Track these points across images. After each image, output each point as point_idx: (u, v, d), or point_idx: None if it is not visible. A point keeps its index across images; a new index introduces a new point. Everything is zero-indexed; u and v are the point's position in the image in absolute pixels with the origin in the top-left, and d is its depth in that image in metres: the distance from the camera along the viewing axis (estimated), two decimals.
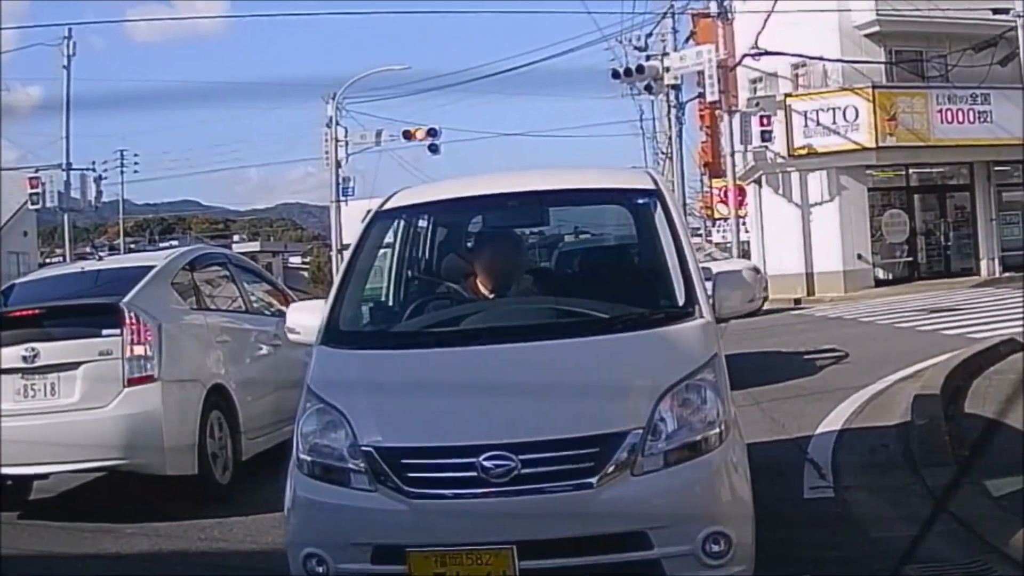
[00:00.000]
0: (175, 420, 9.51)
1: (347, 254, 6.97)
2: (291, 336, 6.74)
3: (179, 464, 9.53)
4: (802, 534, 7.30)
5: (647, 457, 5.34)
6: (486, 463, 5.25)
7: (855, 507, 8.08)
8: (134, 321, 9.47)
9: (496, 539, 5.25)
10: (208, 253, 12.22)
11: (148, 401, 9.38)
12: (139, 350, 9.44)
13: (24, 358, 9.43)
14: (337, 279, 6.70)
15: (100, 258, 12.26)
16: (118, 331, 9.43)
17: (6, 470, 9.38)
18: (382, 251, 7.37)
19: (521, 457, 5.24)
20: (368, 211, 7.39)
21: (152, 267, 10.50)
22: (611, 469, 5.27)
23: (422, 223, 7.97)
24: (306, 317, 6.62)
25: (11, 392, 9.45)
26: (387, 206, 7.30)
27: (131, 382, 9.38)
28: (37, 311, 9.83)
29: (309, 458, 5.66)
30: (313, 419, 5.72)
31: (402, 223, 7.61)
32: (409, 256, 7.73)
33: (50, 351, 9.45)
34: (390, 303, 7.44)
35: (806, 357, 17.46)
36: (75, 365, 9.41)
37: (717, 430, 5.52)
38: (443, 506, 5.32)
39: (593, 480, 5.25)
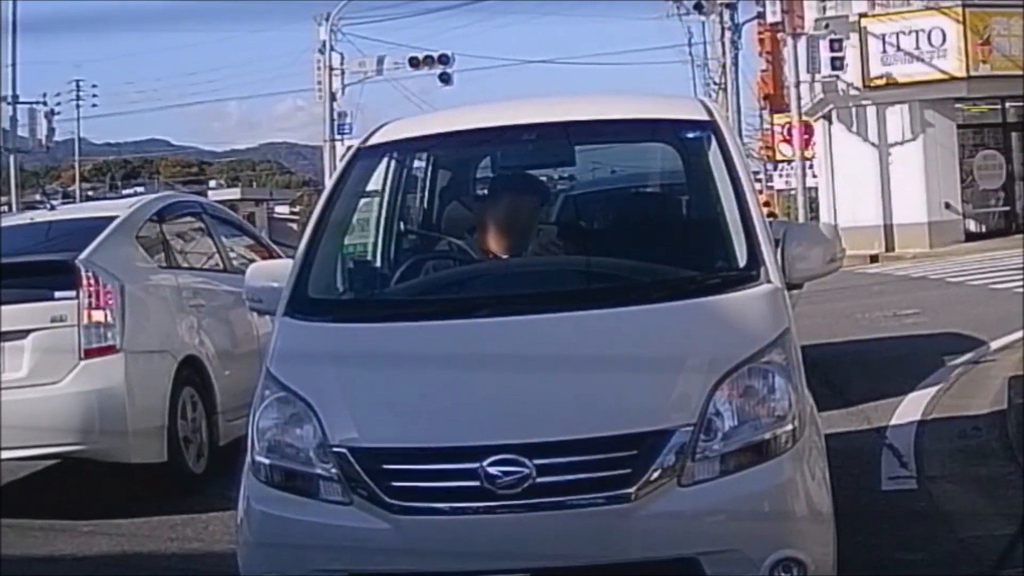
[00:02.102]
0: (140, 398, 9.48)
1: (320, 200, 6.81)
2: (251, 305, 6.60)
3: (145, 450, 9.51)
4: (879, 532, 7.31)
5: (699, 462, 5.12)
6: (492, 470, 5.02)
7: (941, 501, 8.10)
8: (92, 282, 9.37)
9: (504, 567, 5.07)
10: (179, 202, 12.24)
11: (109, 376, 9.31)
12: (98, 316, 9.34)
13: None
14: (307, 233, 6.51)
15: (52, 207, 12.05)
16: (73, 293, 9.34)
17: None
18: (366, 199, 7.25)
19: (537, 462, 5.02)
20: (348, 147, 7.08)
21: (113, 218, 10.43)
22: (653, 477, 5.04)
23: (417, 163, 7.88)
24: (270, 281, 6.42)
25: None
26: (372, 141, 7.09)
27: (88, 353, 9.30)
28: None
29: (267, 460, 5.44)
30: (272, 411, 5.50)
31: (392, 163, 7.45)
32: (400, 204, 7.60)
33: None
34: (375, 264, 7.34)
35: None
36: (22, 334, 9.31)
37: (789, 427, 5.28)
38: (436, 524, 5.12)
39: (630, 492, 5.02)
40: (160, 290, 10.24)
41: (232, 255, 11.83)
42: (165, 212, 11.10)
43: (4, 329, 9.28)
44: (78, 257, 9.50)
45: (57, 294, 9.34)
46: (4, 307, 9.29)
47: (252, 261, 11.24)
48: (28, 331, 9.27)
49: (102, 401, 9.23)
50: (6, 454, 9.29)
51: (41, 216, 11.40)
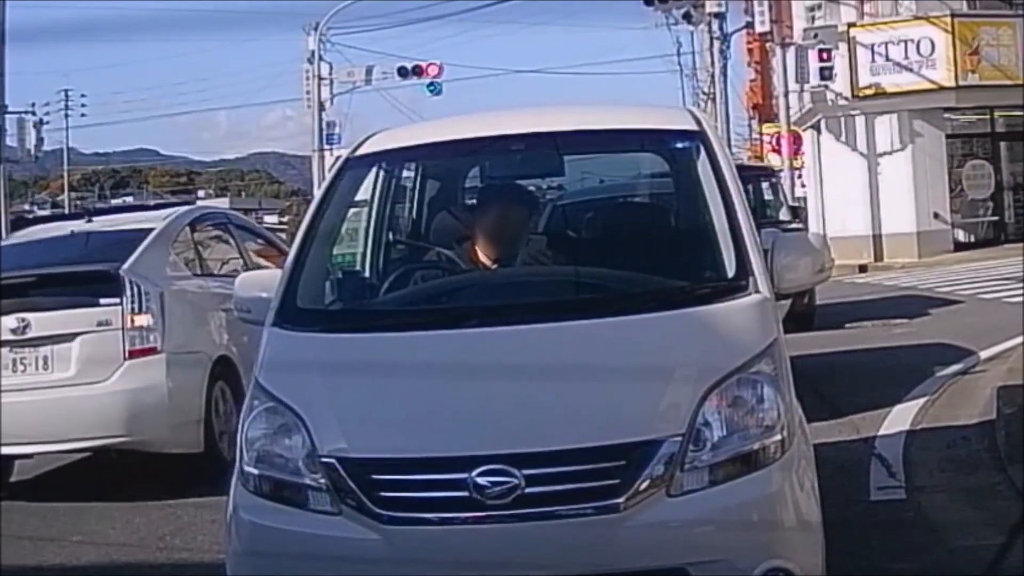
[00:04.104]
0: (179, 395, 10.30)
1: (309, 210, 6.80)
2: (240, 316, 6.56)
3: (184, 441, 10.32)
4: (868, 543, 7.36)
5: (688, 472, 5.09)
6: (481, 480, 4.99)
7: (930, 511, 8.13)
8: (135, 289, 10.22)
9: None
10: (208, 212, 13.06)
11: (151, 375, 10.18)
12: (140, 320, 10.19)
13: (13, 330, 10.17)
14: (295, 243, 6.51)
15: (89, 219, 12.61)
16: (117, 300, 10.18)
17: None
18: (354, 209, 7.20)
19: (526, 472, 4.99)
20: (337, 157, 7.06)
21: (151, 229, 11.22)
22: (642, 487, 5.01)
23: (406, 173, 7.85)
24: (259, 291, 6.39)
25: None
26: (361, 151, 7.04)
27: (132, 354, 10.15)
28: (28, 278, 10.57)
29: (256, 471, 5.41)
30: (261, 421, 5.47)
31: (381, 173, 7.44)
32: (389, 214, 7.60)
33: (42, 322, 10.20)
34: (364, 274, 7.31)
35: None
36: (70, 337, 10.18)
37: (778, 437, 5.25)
38: (424, 535, 5.08)
39: (619, 502, 4.98)
40: (194, 295, 11.00)
41: (255, 260, 12.45)
42: (196, 223, 11.93)
43: (53, 333, 10.18)
44: (121, 267, 10.30)
45: (102, 300, 10.15)
46: (53, 313, 10.22)
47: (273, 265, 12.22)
48: (76, 334, 10.13)
49: (145, 398, 10.09)
50: (57, 447, 10.41)
51: (80, 227, 12.00)
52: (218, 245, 12.36)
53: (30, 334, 10.14)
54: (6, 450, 10.17)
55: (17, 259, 11.04)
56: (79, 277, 10.51)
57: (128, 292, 10.14)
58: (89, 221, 12.50)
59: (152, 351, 10.16)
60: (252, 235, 13.26)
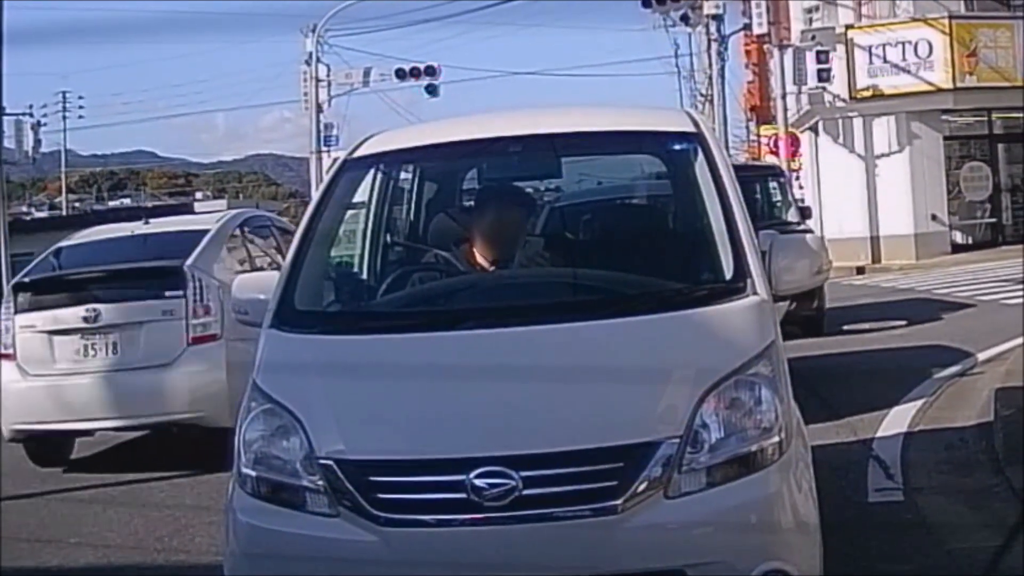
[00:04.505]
0: (236, 377, 10.56)
1: (306, 212, 6.78)
2: (238, 318, 6.53)
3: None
4: (866, 544, 7.34)
5: (686, 474, 5.09)
6: (478, 481, 4.99)
7: (928, 513, 8.12)
8: (197, 283, 11.58)
9: None
10: (255, 216, 14.60)
11: (211, 359, 11.48)
12: (202, 310, 11.54)
13: (85, 319, 11.63)
14: (293, 245, 6.50)
15: (146, 222, 13.99)
16: (181, 292, 11.54)
17: (66, 426, 11.78)
18: (352, 211, 7.21)
19: (523, 474, 4.99)
20: (335, 159, 7.05)
21: (206, 231, 12.71)
22: (640, 489, 5.01)
23: (404, 175, 7.85)
24: (256, 292, 6.38)
25: (70, 351, 11.72)
26: (359, 153, 7.04)
27: (194, 341, 11.50)
28: (98, 273, 12.18)
29: (254, 473, 5.41)
30: (259, 423, 5.48)
31: (379, 175, 7.42)
32: (387, 216, 7.57)
33: (112, 312, 11.64)
34: (362, 275, 7.30)
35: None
36: (138, 325, 11.60)
37: (776, 439, 5.26)
38: (422, 536, 5.08)
39: (617, 503, 4.98)
40: None
41: None
42: (244, 225, 13.40)
43: (122, 321, 11.60)
44: (185, 263, 11.74)
45: (167, 293, 11.52)
46: (122, 304, 11.64)
47: None
48: (143, 323, 11.53)
49: (206, 379, 11.40)
50: (125, 422, 11.81)
51: (139, 229, 13.47)
52: (263, 244, 13.71)
53: (101, 323, 11.55)
54: (77, 426, 11.72)
55: (83, 257, 12.79)
56: (146, 272, 11.94)
57: (191, 285, 11.50)
58: (146, 223, 13.83)
59: (212, 338, 11.50)
60: (291, 235, 14.01)
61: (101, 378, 11.50)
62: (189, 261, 11.76)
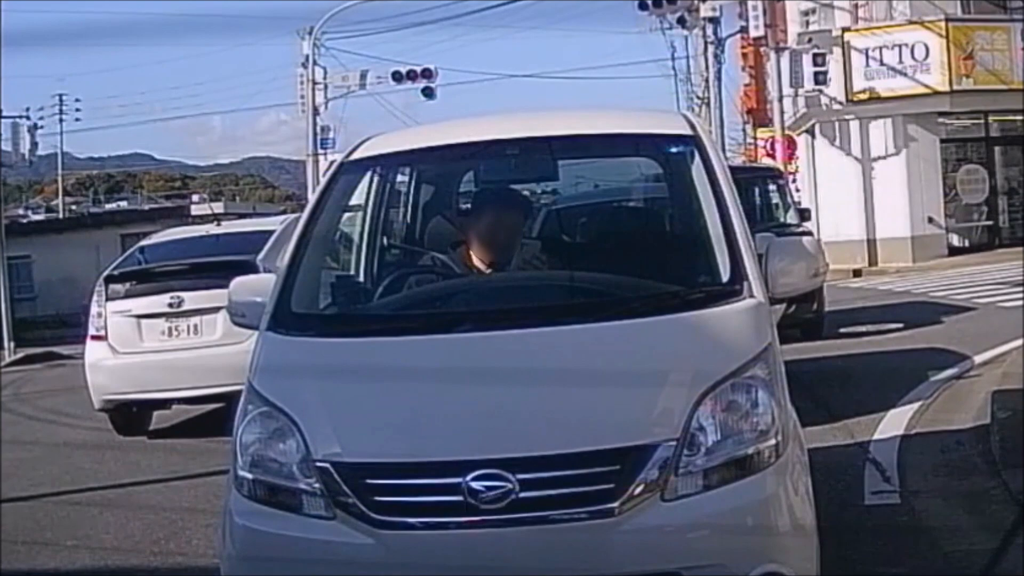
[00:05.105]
0: None
1: (303, 215, 6.78)
2: (234, 320, 6.54)
3: None
4: (863, 547, 7.37)
5: (682, 477, 5.08)
6: (475, 484, 4.98)
7: (924, 515, 8.14)
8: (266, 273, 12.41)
9: None
10: None
11: None
12: None
13: (170, 304, 13.80)
14: (290, 247, 6.48)
15: (218, 224, 16.61)
16: None
17: (155, 395, 13.81)
18: (349, 213, 7.22)
19: (520, 477, 4.98)
20: (332, 162, 7.05)
21: (272, 231, 14.67)
22: (636, 492, 5.00)
23: (401, 178, 7.81)
24: (253, 295, 6.38)
25: (156, 333, 13.93)
26: (356, 155, 7.03)
27: None
28: (182, 267, 14.23)
29: (250, 475, 5.40)
30: (256, 425, 5.46)
31: (375, 178, 7.39)
32: (383, 219, 7.54)
33: (193, 299, 13.72)
34: (359, 278, 7.25)
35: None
36: (216, 310, 12.92)
37: (772, 441, 5.25)
38: (419, 539, 5.08)
39: (613, 506, 4.97)
40: None
41: None
42: None
43: (203, 307, 13.58)
44: (257, 257, 13.49)
45: None
46: (204, 291, 13.40)
47: None
48: (220, 308, 11.94)
49: None
50: (211, 390, 13.28)
51: (213, 230, 15.84)
52: None
53: (184, 308, 13.69)
54: (161, 395, 13.77)
55: (164, 254, 14.94)
56: (223, 265, 13.08)
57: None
58: (218, 224, 16.35)
59: None
60: None
61: (184, 354, 13.60)
62: (260, 255, 13.51)
